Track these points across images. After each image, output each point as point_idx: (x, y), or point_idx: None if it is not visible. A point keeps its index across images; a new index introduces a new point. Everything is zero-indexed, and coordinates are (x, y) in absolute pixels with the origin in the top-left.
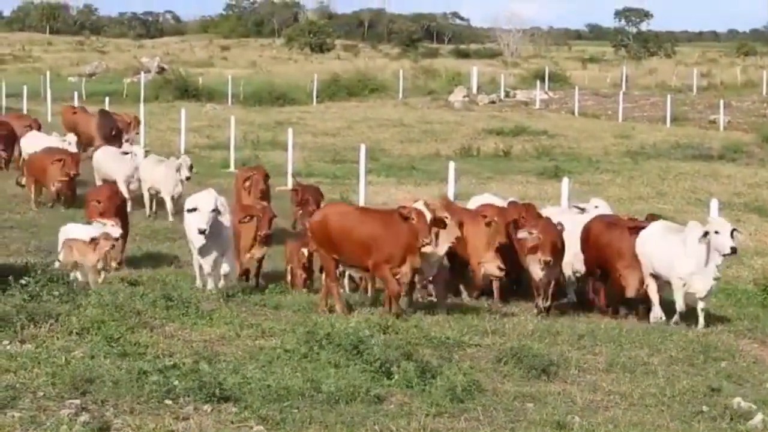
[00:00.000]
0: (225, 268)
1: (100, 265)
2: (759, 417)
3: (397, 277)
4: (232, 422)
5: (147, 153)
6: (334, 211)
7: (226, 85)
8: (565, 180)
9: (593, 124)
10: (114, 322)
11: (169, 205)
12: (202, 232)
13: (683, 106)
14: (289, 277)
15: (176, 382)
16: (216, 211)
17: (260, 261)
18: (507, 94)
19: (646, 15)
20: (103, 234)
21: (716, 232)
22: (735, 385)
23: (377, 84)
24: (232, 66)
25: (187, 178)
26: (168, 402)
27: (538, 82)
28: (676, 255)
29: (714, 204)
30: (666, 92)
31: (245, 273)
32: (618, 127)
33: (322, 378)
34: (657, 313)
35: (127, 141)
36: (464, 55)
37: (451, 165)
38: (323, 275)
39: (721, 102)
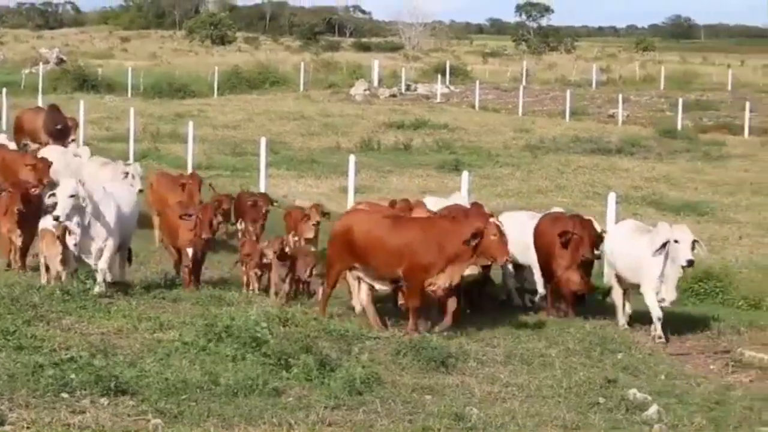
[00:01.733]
0: (101, 263)
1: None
2: (654, 408)
3: (432, 288)
4: (129, 415)
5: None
6: (360, 218)
7: (126, 76)
8: (465, 173)
9: (494, 118)
10: (10, 315)
11: None
12: (56, 218)
13: (583, 100)
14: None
15: (73, 376)
16: (76, 197)
17: (197, 262)
18: (408, 88)
19: (546, 10)
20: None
21: (676, 241)
22: (631, 376)
23: (278, 77)
24: (133, 58)
25: (140, 191)
26: (64, 395)
27: (439, 76)
28: (645, 258)
29: (612, 197)
30: (566, 87)
31: (177, 266)
32: (518, 121)
33: (221, 371)
34: (620, 321)
35: (72, 141)
36: (366, 48)
37: (352, 158)
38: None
39: (620, 97)
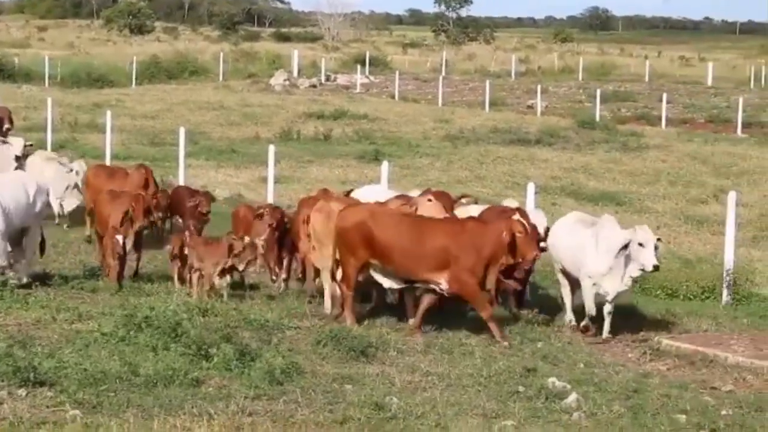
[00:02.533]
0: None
1: None
2: (573, 396)
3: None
4: (48, 406)
5: (28, 147)
6: (383, 214)
7: (43, 66)
8: (385, 163)
9: (413, 109)
10: None
11: (56, 208)
12: None
13: (502, 91)
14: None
15: None
16: None
17: (127, 252)
18: (328, 78)
19: (465, 1)
20: None
21: (640, 245)
22: (550, 365)
23: (197, 67)
24: (50, 47)
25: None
26: None
27: (358, 67)
28: (587, 252)
29: (531, 188)
30: (485, 77)
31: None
32: (438, 111)
33: (140, 361)
34: (567, 316)
35: (9, 131)
36: (285, 38)
37: (271, 148)
38: (339, 283)
39: (539, 87)
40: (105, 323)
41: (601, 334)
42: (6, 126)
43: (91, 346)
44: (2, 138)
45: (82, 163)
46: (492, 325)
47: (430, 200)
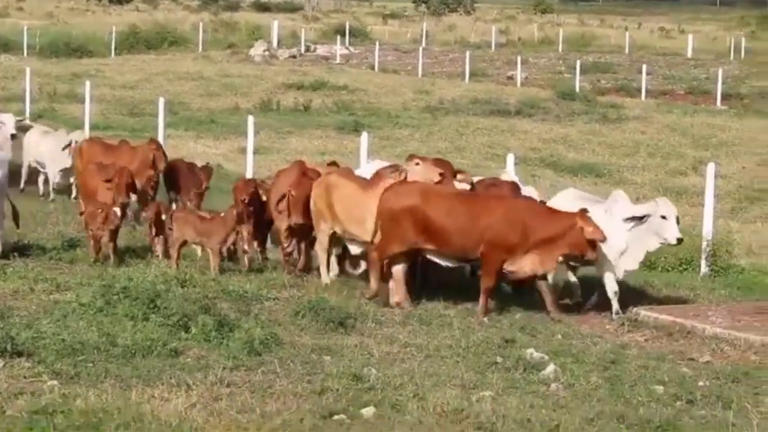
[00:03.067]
0: None
1: None
2: (551, 367)
3: (513, 272)
4: (25, 377)
5: (20, 121)
6: (431, 193)
7: (22, 35)
8: (365, 134)
9: (393, 80)
10: None
11: (52, 182)
12: None
13: (482, 62)
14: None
15: None
16: None
17: (113, 231)
18: (307, 49)
19: None
20: None
21: (663, 217)
22: (528, 336)
23: (176, 37)
24: (28, 17)
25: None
26: None
27: (338, 37)
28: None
29: (510, 158)
30: (465, 48)
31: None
32: (418, 82)
33: (119, 332)
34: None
35: None
36: (265, 8)
37: (251, 119)
38: (389, 273)
39: (519, 59)
40: (83, 294)
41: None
42: None
43: (69, 317)
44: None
45: (82, 134)
46: (483, 298)
47: (417, 164)
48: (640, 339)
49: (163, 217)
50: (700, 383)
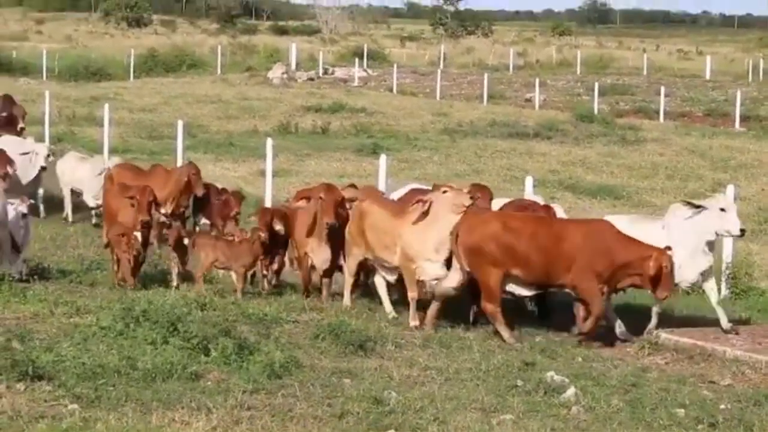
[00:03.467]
0: None
1: None
2: (571, 390)
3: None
4: (46, 401)
5: (51, 151)
6: (516, 220)
7: (41, 59)
8: (383, 157)
9: (411, 102)
10: None
11: (91, 205)
12: None
13: (500, 84)
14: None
15: None
16: None
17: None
18: (325, 72)
19: None
20: None
21: (722, 210)
22: (548, 359)
23: (195, 60)
24: (47, 40)
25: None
26: None
27: (356, 60)
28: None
29: (529, 181)
30: (483, 71)
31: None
32: (436, 104)
33: (139, 355)
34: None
35: (23, 130)
36: (283, 31)
37: (269, 141)
38: (485, 304)
39: (537, 81)
40: (103, 317)
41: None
42: (20, 125)
43: (89, 340)
44: (28, 147)
45: (116, 160)
46: (592, 321)
47: (445, 192)
48: (660, 362)
49: (186, 241)
50: (722, 406)
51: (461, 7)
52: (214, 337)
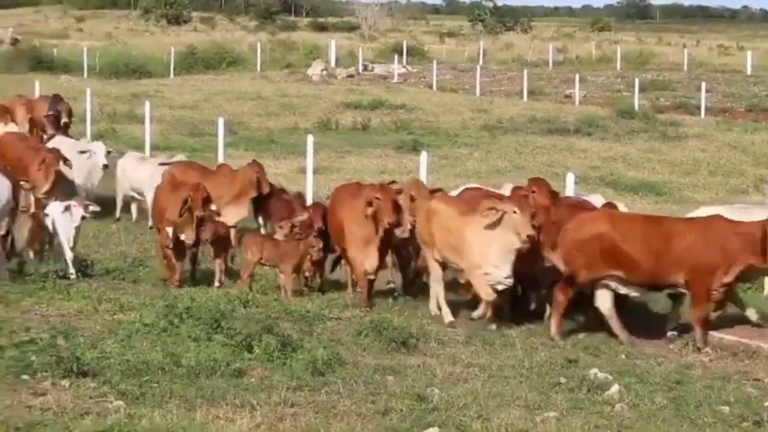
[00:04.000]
0: None
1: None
2: (615, 387)
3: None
4: (91, 397)
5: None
6: (618, 218)
7: (82, 56)
8: (424, 154)
9: (451, 98)
10: None
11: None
12: None
13: (540, 80)
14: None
15: (33, 358)
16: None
17: (193, 249)
18: (365, 68)
19: None
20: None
21: None
22: (592, 356)
23: (235, 57)
24: (88, 38)
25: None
26: (25, 377)
27: (396, 56)
28: None
29: (570, 178)
30: (523, 66)
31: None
32: (476, 101)
33: (182, 352)
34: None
35: (67, 126)
36: (322, 28)
37: (310, 138)
38: (557, 291)
39: (577, 77)
40: (146, 314)
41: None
42: (64, 120)
43: (133, 337)
44: (84, 146)
45: (182, 157)
46: (700, 331)
47: (515, 212)
48: (704, 359)
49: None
50: (766, 404)
51: (500, 2)
52: (257, 334)
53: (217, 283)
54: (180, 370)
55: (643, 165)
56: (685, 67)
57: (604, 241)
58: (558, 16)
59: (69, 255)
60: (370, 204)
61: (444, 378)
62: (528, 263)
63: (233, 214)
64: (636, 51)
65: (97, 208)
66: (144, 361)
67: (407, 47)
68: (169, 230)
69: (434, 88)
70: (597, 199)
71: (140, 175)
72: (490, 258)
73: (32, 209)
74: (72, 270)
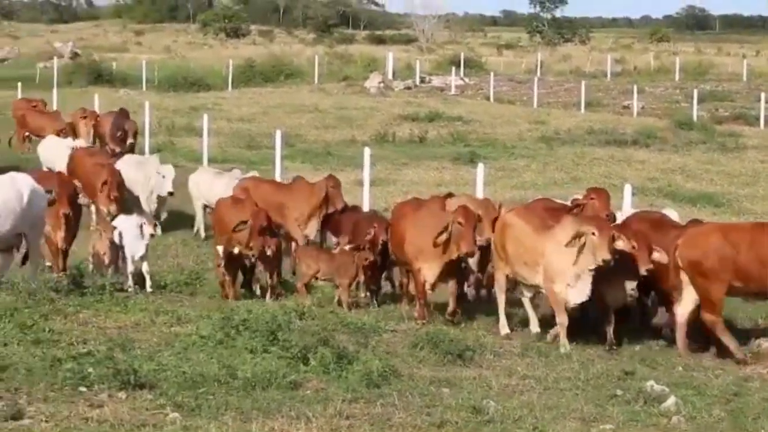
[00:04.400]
0: None
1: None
2: (672, 399)
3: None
4: (147, 409)
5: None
6: (736, 231)
7: (141, 70)
8: (481, 166)
9: (508, 110)
10: (27, 309)
11: None
12: None
13: (597, 92)
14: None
15: (90, 370)
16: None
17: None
18: (422, 80)
19: (560, 1)
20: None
21: None
22: (648, 368)
23: (293, 69)
24: (147, 51)
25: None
26: (82, 389)
27: (453, 68)
28: None
29: (628, 189)
30: (580, 78)
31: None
32: (533, 112)
33: (238, 364)
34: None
35: (132, 146)
36: (379, 41)
37: (367, 151)
38: (704, 314)
39: (635, 88)
40: (203, 326)
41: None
42: (130, 140)
43: (189, 349)
44: (153, 168)
45: (255, 174)
46: None
47: (593, 234)
48: (762, 371)
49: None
50: None
51: (558, 14)
52: (313, 346)
53: (268, 299)
54: (236, 382)
55: (702, 176)
56: (745, 78)
57: (719, 255)
58: (616, 27)
59: (130, 269)
60: (445, 229)
61: (500, 390)
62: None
63: (311, 228)
64: (695, 62)
65: (152, 226)
66: (200, 373)
67: (464, 59)
68: (220, 248)
69: (491, 99)
70: (671, 213)
71: (217, 189)
72: (566, 277)
73: (98, 226)
74: (130, 283)
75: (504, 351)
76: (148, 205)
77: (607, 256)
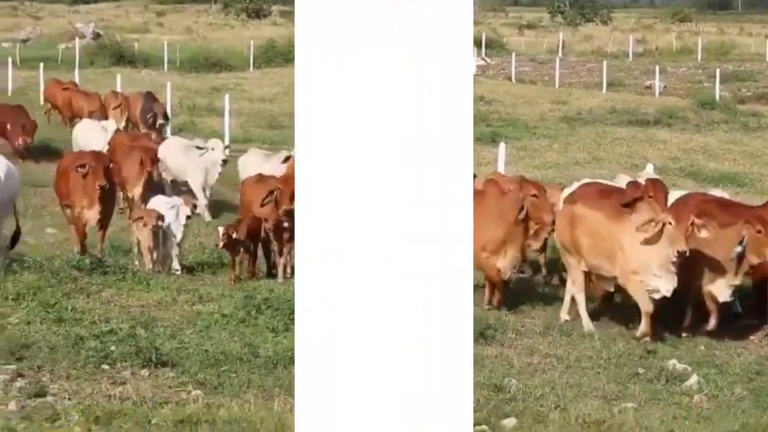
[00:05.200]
0: None
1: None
2: (694, 378)
3: None
4: (170, 387)
5: (227, 147)
6: None
7: (162, 51)
8: (502, 145)
9: (530, 90)
10: (50, 288)
11: None
12: None
13: (619, 71)
14: None
15: (113, 348)
16: None
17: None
18: None
19: None
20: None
21: None
22: (670, 347)
23: None
24: (168, 32)
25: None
26: (105, 367)
27: (474, 49)
28: None
29: (649, 169)
30: (602, 58)
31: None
32: (554, 92)
33: (260, 342)
34: None
35: (163, 126)
36: None
37: None
38: None
39: (657, 68)
40: (225, 305)
41: None
42: (160, 122)
43: (211, 328)
44: (198, 143)
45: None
46: None
47: (670, 223)
48: None
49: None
50: None
51: None
52: None
53: (280, 278)
54: (258, 360)
55: (724, 156)
56: (767, 58)
57: None
58: (638, 8)
59: (175, 251)
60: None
61: (521, 368)
62: None
63: None
64: (717, 42)
65: (189, 208)
66: (222, 351)
67: (486, 39)
68: (221, 229)
69: (513, 80)
70: (720, 193)
71: (266, 171)
72: (651, 267)
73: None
74: (176, 266)
75: (525, 329)
76: (201, 190)
77: (683, 248)
